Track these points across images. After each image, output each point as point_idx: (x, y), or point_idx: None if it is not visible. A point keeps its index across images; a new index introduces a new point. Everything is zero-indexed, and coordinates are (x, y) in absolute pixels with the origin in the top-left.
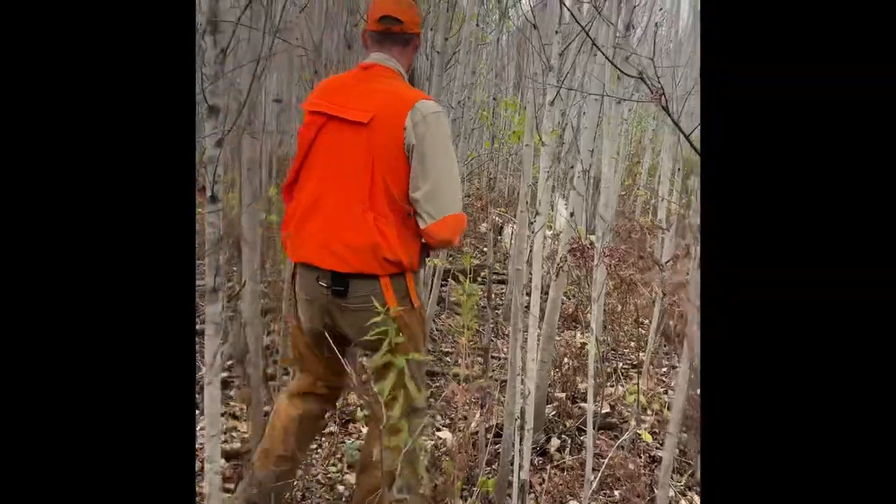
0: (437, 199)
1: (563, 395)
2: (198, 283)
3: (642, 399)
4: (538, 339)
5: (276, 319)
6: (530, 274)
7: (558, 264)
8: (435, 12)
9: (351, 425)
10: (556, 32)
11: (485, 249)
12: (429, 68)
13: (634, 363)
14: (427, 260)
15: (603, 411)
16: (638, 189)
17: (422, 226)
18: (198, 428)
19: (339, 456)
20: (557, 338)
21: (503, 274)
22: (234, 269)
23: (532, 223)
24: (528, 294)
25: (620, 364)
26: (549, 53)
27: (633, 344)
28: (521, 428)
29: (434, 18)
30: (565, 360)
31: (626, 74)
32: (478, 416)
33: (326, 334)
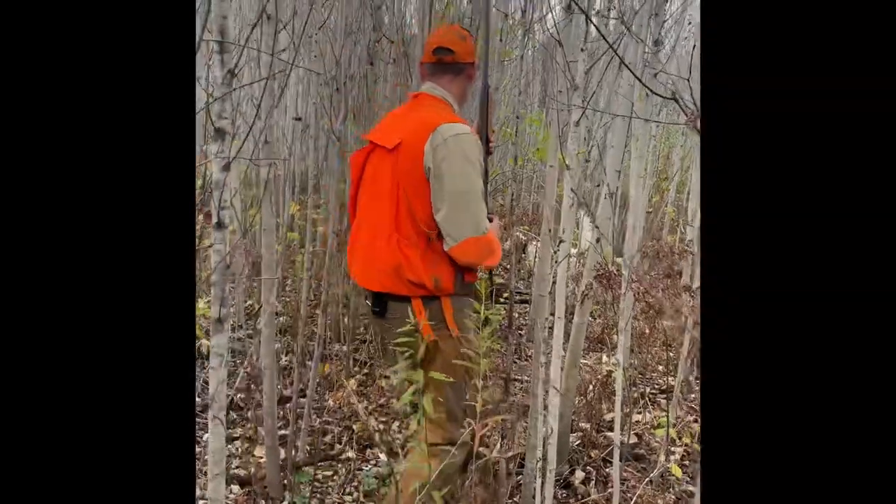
0: (456, 222)
1: (588, 425)
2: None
3: (672, 431)
4: (562, 369)
5: (294, 338)
6: (553, 305)
7: (584, 292)
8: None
9: (369, 451)
10: (582, 50)
11: (507, 267)
12: None
13: (663, 388)
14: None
15: (630, 441)
16: (665, 206)
17: (446, 248)
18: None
19: (355, 484)
20: (583, 361)
21: (526, 294)
22: (255, 285)
23: (556, 252)
24: (551, 327)
25: (648, 389)
26: (574, 72)
27: (661, 368)
28: (544, 468)
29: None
30: (590, 387)
31: (658, 95)
32: (498, 446)
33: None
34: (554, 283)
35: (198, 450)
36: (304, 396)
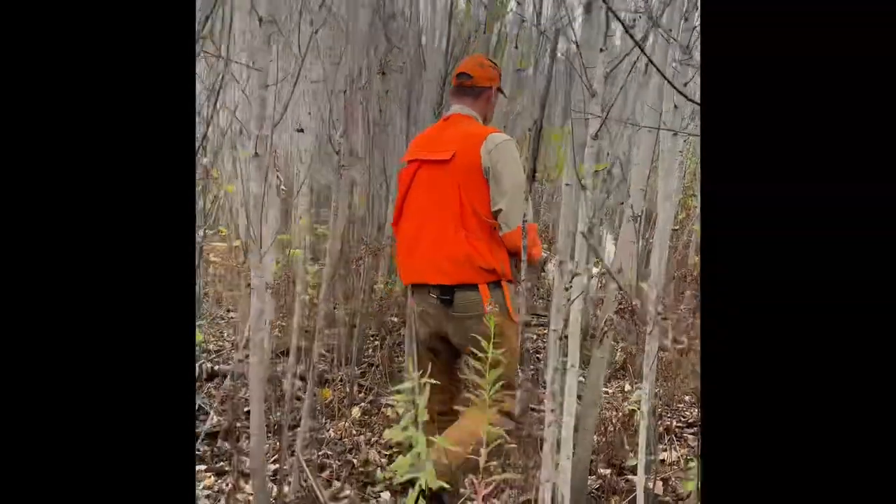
0: (511, 212)
1: (609, 471)
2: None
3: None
4: (575, 411)
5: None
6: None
7: (602, 329)
8: (472, 36)
9: (370, 488)
10: (601, 50)
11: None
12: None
13: (690, 421)
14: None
15: (654, 488)
16: (693, 225)
17: (501, 234)
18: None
19: None
20: (605, 389)
21: (545, 316)
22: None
23: (569, 288)
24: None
25: (674, 422)
26: (592, 76)
27: (687, 398)
28: None
29: (472, 42)
30: (611, 425)
31: (690, 100)
32: (505, 495)
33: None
34: (566, 324)
35: None
36: (297, 426)
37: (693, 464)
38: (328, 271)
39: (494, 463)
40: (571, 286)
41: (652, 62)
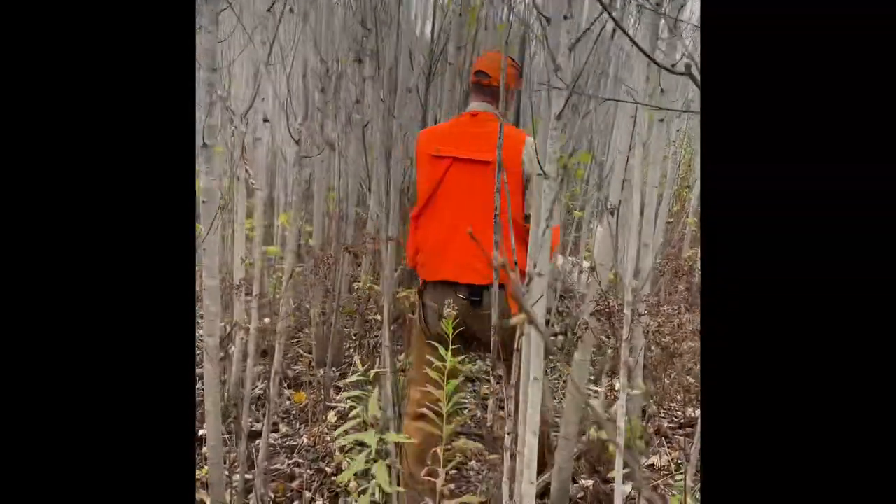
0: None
1: (591, 481)
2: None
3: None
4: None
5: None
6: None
7: (577, 334)
8: (448, 19)
9: (342, 499)
10: (566, 18)
11: None
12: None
13: (682, 422)
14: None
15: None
16: (687, 217)
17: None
18: None
19: None
20: (594, 388)
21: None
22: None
23: (525, 292)
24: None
25: (666, 423)
26: (556, 47)
27: (679, 397)
28: None
29: (448, 26)
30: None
31: (670, 71)
32: None
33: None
34: (521, 334)
35: None
36: (275, 431)
37: (680, 477)
38: (287, 268)
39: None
40: (528, 290)
41: (619, 26)
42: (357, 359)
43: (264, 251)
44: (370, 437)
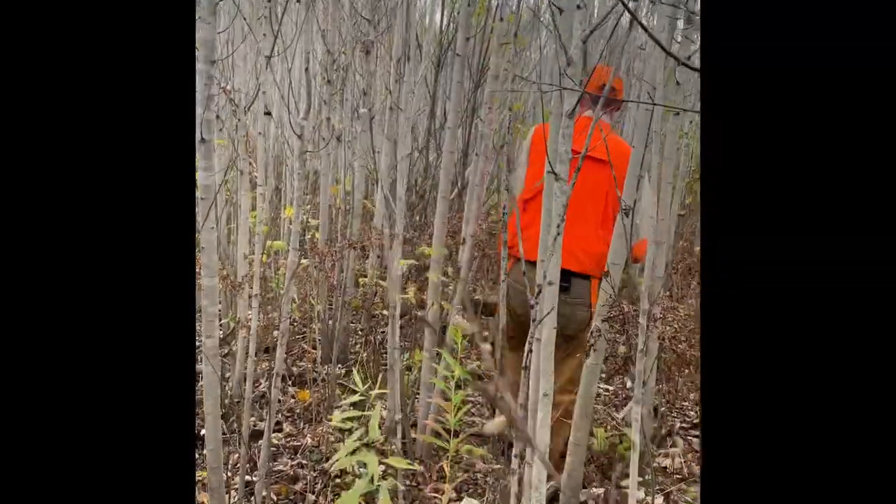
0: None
1: (602, 490)
2: None
3: None
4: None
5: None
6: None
7: (590, 341)
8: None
9: None
10: (579, 7)
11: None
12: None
13: (696, 421)
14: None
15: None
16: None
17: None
18: None
19: None
20: (604, 386)
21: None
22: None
23: (534, 304)
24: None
25: (679, 424)
26: (569, 40)
27: (692, 396)
28: None
29: (457, 15)
30: (604, 439)
31: (686, 65)
32: None
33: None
34: (531, 349)
35: None
36: (278, 430)
37: (695, 488)
38: (289, 265)
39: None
40: (537, 301)
41: (634, 16)
42: (356, 375)
43: (269, 246)
44: (371, 461)
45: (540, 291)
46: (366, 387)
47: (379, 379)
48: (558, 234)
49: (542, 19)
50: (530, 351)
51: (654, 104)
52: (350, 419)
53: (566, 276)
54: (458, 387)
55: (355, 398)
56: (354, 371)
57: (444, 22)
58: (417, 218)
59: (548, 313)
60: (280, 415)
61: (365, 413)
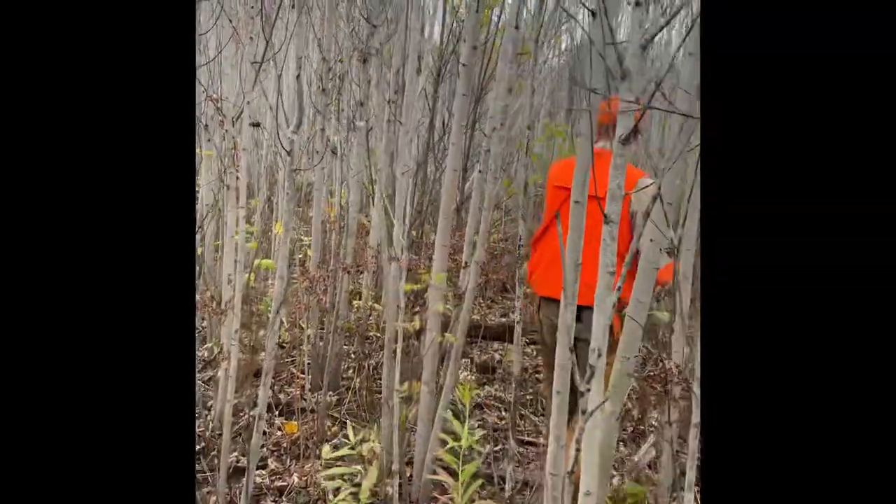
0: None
1: None
2: None
3: None
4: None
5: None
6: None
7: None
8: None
9: None
10: (639, 4)
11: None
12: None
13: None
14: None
15: None
16: None
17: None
18: None
19: None
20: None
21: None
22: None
23: (590, 379)
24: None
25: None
26: (623, 50)
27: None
28: None
29: (461, 24)
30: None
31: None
32: None
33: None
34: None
35: None
36: (263, 467)
37: None
38: (276, 296)
39: None
40: (593, 373)
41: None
42: (350, 430)
43: (258, 264)
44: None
45: (592, 374)
46: (357, 438)
47: (373, 414)
48: (612, 275)
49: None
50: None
51: (667, 110)
52: (341, 475)
53: (578, 309)
54: (465, 457)
55: (344, 451)
56: (354, 378)
57: (445, 33)
58: (415, 233)
59: (596, 410)
60: (265, 449)
61: (354, 471)
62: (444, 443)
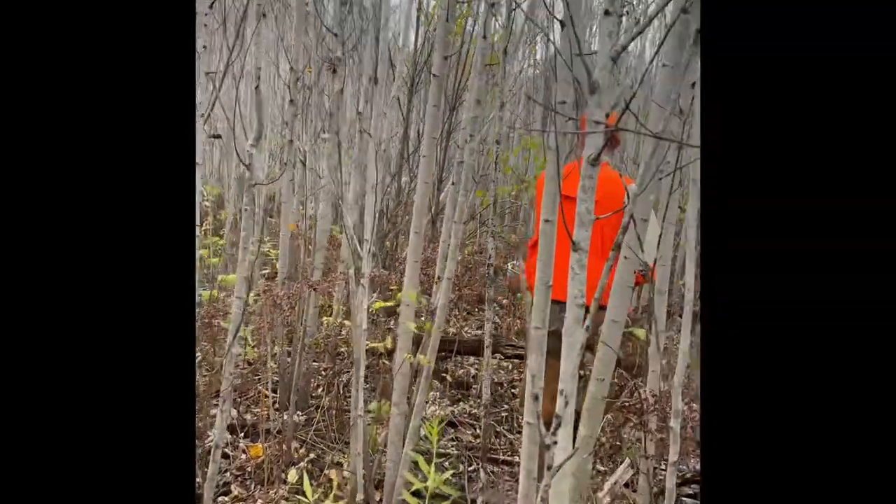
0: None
1: None
2: None
3: None
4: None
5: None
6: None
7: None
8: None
9: None
10: (608, 13)
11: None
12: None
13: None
14: None
15: None
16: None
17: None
18: None
19: None
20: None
21: (520, 347)
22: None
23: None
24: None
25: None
26: (593, 60)
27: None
28: None
29: (433, 34)
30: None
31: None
32: None
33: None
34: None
35: None
36: (225, 494)
37: None
38: (234, 319)
39: None
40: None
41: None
42: (306, 481)
43: (221, 280)
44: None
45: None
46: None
47: (342, 434)
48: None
49: (536, 33)
50: None
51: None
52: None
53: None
54: (434, 497)
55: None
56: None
57: (419, 41)
58: (389, 244)
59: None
60: (228, 473)
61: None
62: (415, 465)
